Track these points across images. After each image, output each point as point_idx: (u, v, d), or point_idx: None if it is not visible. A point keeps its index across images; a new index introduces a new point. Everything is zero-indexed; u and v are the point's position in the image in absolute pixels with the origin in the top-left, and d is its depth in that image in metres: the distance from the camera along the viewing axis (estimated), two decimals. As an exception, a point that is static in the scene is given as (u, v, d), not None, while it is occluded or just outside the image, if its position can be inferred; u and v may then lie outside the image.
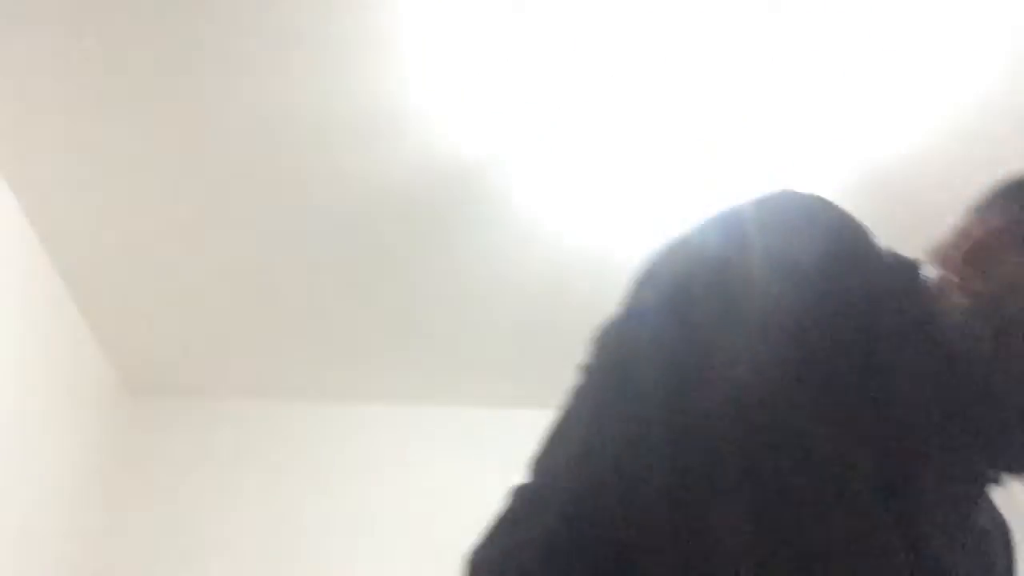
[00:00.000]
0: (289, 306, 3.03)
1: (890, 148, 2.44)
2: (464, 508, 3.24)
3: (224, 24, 2.24)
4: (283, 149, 2.54)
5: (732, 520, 0.82)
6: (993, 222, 0.98)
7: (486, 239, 2.78)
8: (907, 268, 0.98)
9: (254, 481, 3.28)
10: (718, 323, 0.89)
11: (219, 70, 2.35)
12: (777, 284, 0.89)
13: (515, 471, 3.42)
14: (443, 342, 3.14)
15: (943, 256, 0.98)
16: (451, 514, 3.22)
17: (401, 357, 3.21)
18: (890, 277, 0.95)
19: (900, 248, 0.98)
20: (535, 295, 2.95)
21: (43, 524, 2.90)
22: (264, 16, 2.22)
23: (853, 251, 0.92)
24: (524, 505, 0.92)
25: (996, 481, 0.96)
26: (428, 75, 2.33)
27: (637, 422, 0.89)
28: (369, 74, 2.34)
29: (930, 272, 0.97)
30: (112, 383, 3.29)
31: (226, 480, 3.28)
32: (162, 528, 3.20)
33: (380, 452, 3.33)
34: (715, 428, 0.85)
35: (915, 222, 2.36)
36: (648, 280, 0.95)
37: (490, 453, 3.31)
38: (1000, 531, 1.00)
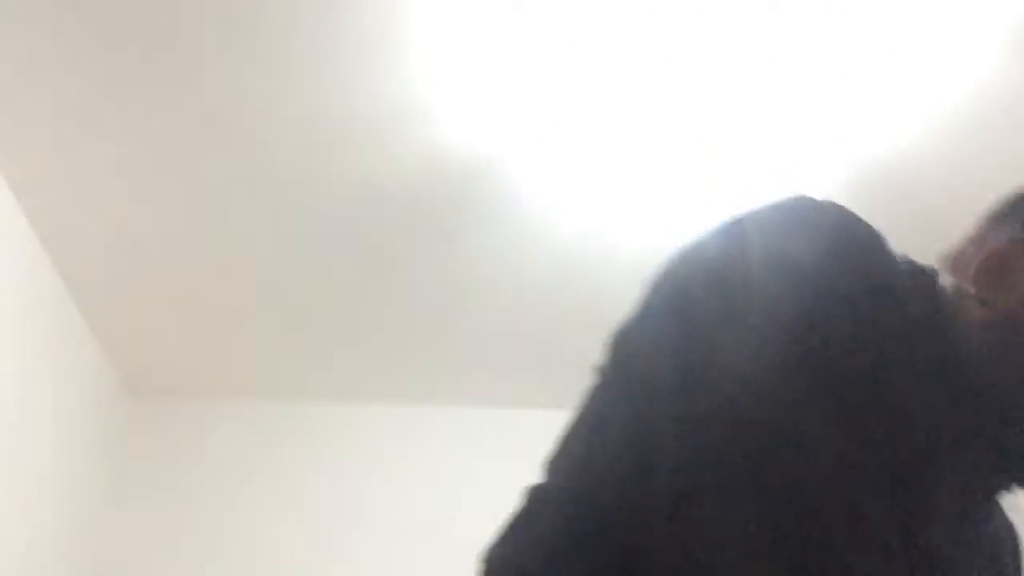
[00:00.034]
0: (289, 306, 3.03)
1: (888, 145, 2.44)
2: (464, 508, 3.26)
3: (225, 24, 2.24)
4: (284, 149, 2.54)
5: (732, 520, 0.81)
6: (1009, 233, 0.96)
7: (485, 239, 2.78)
8: (923, 277, 0.97)
9: (254, 481, 3.28)
10: (719, 322, 0.89)
11: (220, 70, 2.35)
12: (777, 283, 0.89)
13: (515, 471, 3.40)
14: (443, 342, 3.14)
15: (957, 265, 0.97)
16: (451, 514, 3.22)
17: (401, 357, 3.21)
18: (905, 285, 0.94)
19: (899, 245, 0.97)
20: (535, 295, 2.95)
21: (43, 524, 2.90)
22: (265, 16, 2.22)
23: (859, 254, 0.91)
24: (537, 505, 0.93)
25: (1006, 489, 0.96)
26: (426, 76, 2.33)
27: (638, 422, 0.89)
28: (369, 73, 2.34)
29: (946, 282, 0.97)
30: (112, 383, 3.29)
31: (226, 480, 3.28)
32: (162, 528, 3.20)
33: (380, 452, 3.33)
34: (715, 427, 0.85)
35: (913, 218, 2.38)
36: (657, 282, 0.97)
37: (490, 453, 3.31)
38: (1009, 537, 1.00)
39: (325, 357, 3.23)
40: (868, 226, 0.94)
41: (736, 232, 0.94)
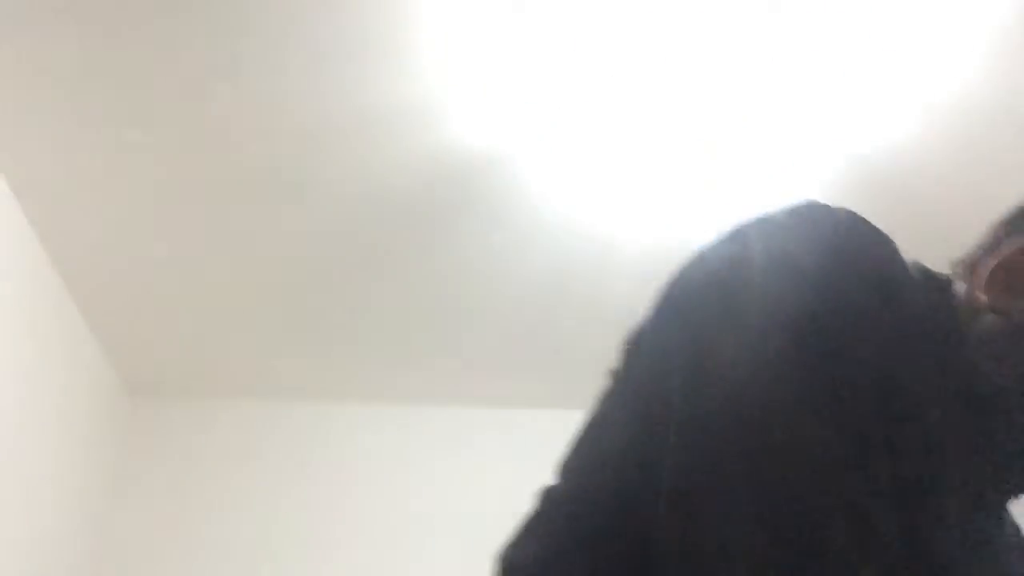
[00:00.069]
0: (289, 306, 3.03)
1: (886, 143, 2.44)
2: (464, 507, 3.26)
3: (227, 24, 2.24)
4: (285, 148, 2.54)
5: (732, 521, 0.81)
6: (1022, 241, 0.96)
7: (485, 240, 2.78)
8: (936, 284, 0.97)
9: (254, 481, 3.28)
10: (721, 323, 0.89)
11: (221, 69, 2.35)
12: (778, 283, 0.89)
13: (515, 471, 3.42)
14: (443, 342, 3.14)
15: (970, 272, 0.97)
16: (451, 513, 3.22)
17: (401, 357, 3.21)
18: (915, 291, 0.94)
19: (900, 244, 0.97)
20: (535, 296, 2.95)
21: (43, 524, 2.89)
22: (267, 15, 2.22)
23: (864, 258, 0.91)
24: (550, 506, 0.94)
25: (1016, 495, 0.96)
26: (426, 76, 2.33)
27: (640, 423, 0.90)
28: (370, 74, 2.34)
29: (959, 289, 0.97)
30: (112, 383, 3.29)
31: (226, 480, 3.28)
32: (162, 528, 3.20)
33: (380, 452, 3.33)
34: (715, 428, 0.85)
35: (912, 217, 2.38)
36: (666, 286, 0.97)
37: (490, 453, 3.31)
38: (1018, 543, 0.99)
39: (325, 357, 3.23)
40: (878, 232, 0.93)
41: (743, 235, 0.95)
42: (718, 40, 2.22)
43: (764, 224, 0.95)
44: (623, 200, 2.62)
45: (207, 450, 3.32)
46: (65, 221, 2.74)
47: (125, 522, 3.19)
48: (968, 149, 2.43)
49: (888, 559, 0.82)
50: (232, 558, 3.15)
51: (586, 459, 0.95)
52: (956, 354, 0.92)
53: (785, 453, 0.83)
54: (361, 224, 2.75)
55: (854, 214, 0.94)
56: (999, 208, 1.03)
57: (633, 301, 2.94)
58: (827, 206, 0.95)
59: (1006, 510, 0.97)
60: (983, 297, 0.94)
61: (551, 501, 0.94)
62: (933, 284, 0.97)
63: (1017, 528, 1.00)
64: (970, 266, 0.98)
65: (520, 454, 3.28)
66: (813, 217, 0.94)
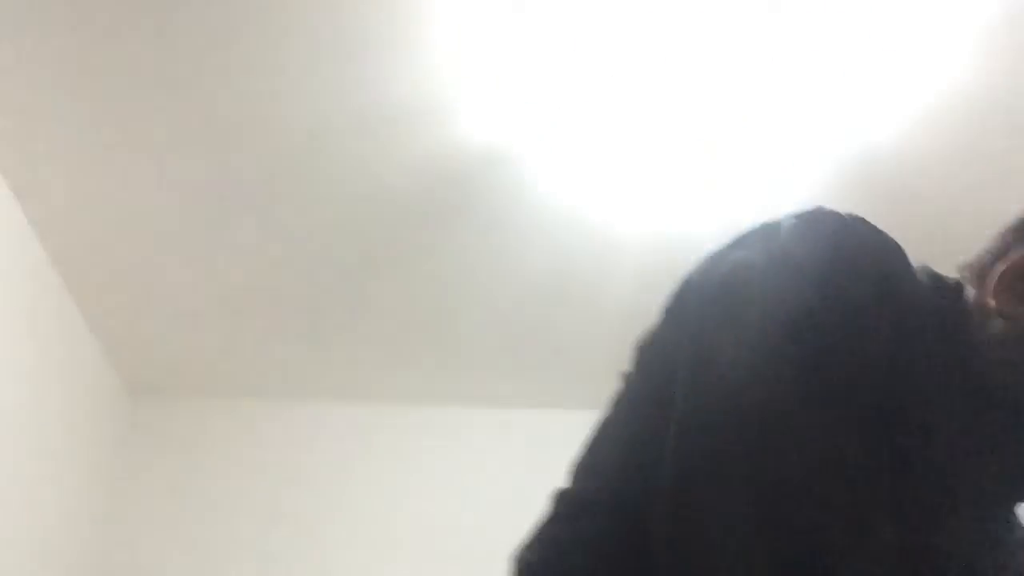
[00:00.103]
0: (289, 306, 3.03)
1: (886, 143, 2.45)
2: (464, 507, 3.26)
3: (227, 23, 2.24)
4: (287, 147, 2.54)
5: (730, 520, 0.82)
6: None
7: (486, 240, 2.78)
8: (946, 289, 0.97)
9: (254, 481, 3.28)
10: (720, 324, 0.90)
11: (222, 69, 2.35)
12: (777, 282, 0.89)
13: (515, 471, 3.41)
14: (443, 342, 3.14)
15: (978, 277, 0.97)
16: (451, 513, 3.22)
17: (401, 357, 3.21)
18: (923, 296, 0.94)
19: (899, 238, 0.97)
20: (535, 296, 2.95)
21: (44, 525, 2.89)
22: (270, 14, 2.22)
23: (868, 261, 0.91)
24: (563, 509, 0.96)
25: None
26: (428, 76, 2.33)
27: (642, 423, 0.91)
28: (374, 73, 2.34)
29: (969, 294, 0.97)
30: (113, 384, 3.29)
31: (226, 480, 3.28)
32: (163, 528, 3.20)
33: (380, 452, 3.33)
34: (715, 427, 0.85)
35: (912, 217, 2.38)
36: (674, 291, 0.99)
37: (490, 453, 3.31)
38: None
39: (325, 357, 3.23)
40: (882, 235, 0.94)
41: (748, 239, 0.95)
42: (718, 40, 2.23)
43: (770, 228, 0.95)
44: (625, 199, 2.62)
45: (207, 450, 3.32)
46: (65, 221, 2.74)
47: (125, 522, 3.19)
48: (964, 148, 2.43)
49: (887, 560, 0.82)
50: (232, 558, 3.15)
51: (596, 462, 0.96)
52: (965, 358, 0.92)
53: (783, 453, 0.83)
54: (362, 224, 2.75)
55: (860, 218, 0.95)
56: (998, 206, 1.03)
57: (634, 302, 2.96)
58: (835, 211, 0.95)
59: (1014, 512, 0.97)
60: (992, 302, 0.94)
61: (564, 504, 0.96)
62: (942, 288, 0.97)
63: None
64: (979, 271, 0.98)
65: (520, 454, 3.28)
66: (818, 220, 0.95)
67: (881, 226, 0.95)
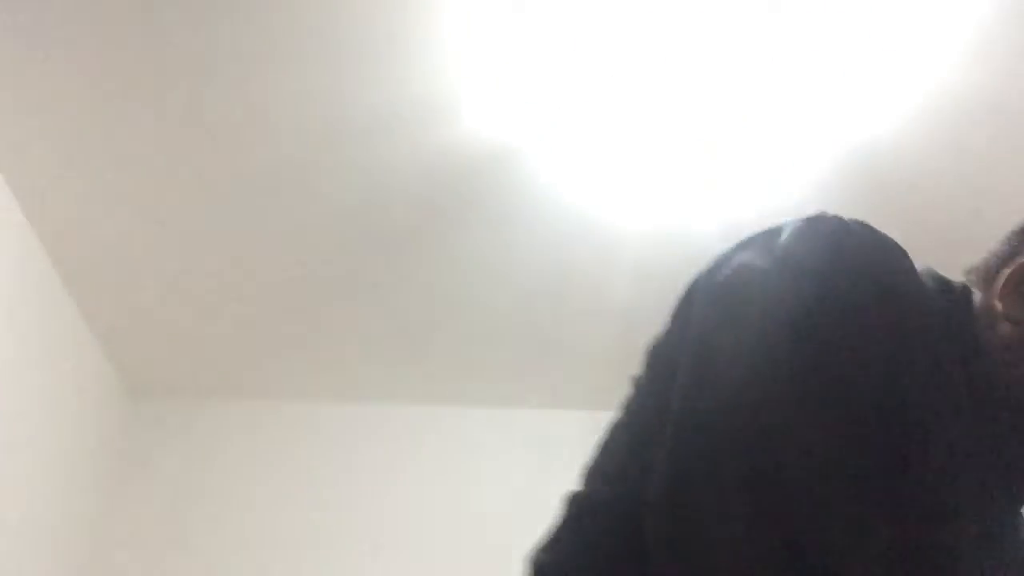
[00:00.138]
0: (290, 306, 3.03)
1: (883, 140, 2.46)
2: (464, 507, 3.25)
3: (234, 23, 2.24)
4: (284, 148, 2.54)
5: (731, 521, 0.81)
6: None
7: (486, 240, 2.78)
8: (952, 292, 0.97)
9: (254, 482, 3.28)
10: (721, 325, 0.90)
11: (223, 68, 2.35)
12: (777, 284, 0.89)
13: (516, 471, 3.40)
14: (444, 342, 3.14)
15: (984, 281, 0.97)
16: (452, 513, 3.22)
17: (402, 357, 3.21)
18: (927, 298, 0.94)
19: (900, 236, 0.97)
20: (536, 295, 2.95)
21: (44, 526, 2.90)
22: (274, 14, 2.22)
23: (869, 264, 0.91)
24: (574, 510, 0.97)
25: None
26: (433, 75, 2.33)
27: (643, 424, 0.92)
28: (378, 72, 2.34)
29: (975, 298, 0.97)
30: (113, 385, 3.29)
31: (226, 481, 3.28)
32: (163, 529, 3.20)
33: (381, 452, 3.33)
34: (713, 427, 0.85)
35: (913, 216, 2.39)
36: (680, 296, 1.00)
37: (490, 453, 3.31)
38: None
39: (326, 357, 3.23)
40: (884, 238, 0.94)
41: (752, 243, 0.96)
42: (718, 40, 2.24)
43: (773, 231, 0.95)
44: (628, 196, 2.62)
45: (207, 450, 3.32)
46: (65, 221, 2.74)
47: (125, 522, 3.19)
48: (963, 147, 2.44)
49: (887, 560, 0.82)
50: (232, 558, 3.15)
51: (604, 464, 0.97)
52: (971, 360, 0.92)
53: (782, 453, 0.83)
54: (362, 226, 2.75)
55: (862, 222, 0.95)
56: (995, 204, 1.04)
57: (635, 302, 2.96)
58: (838, 216, 0.95)
59: (1020, 513, 0.97)
60: (999, 305, 0.95)
61: (575, 506, 0.97)
62: (948, 292, 0.97)
63: None
64: (985, 274, 0.98)
65: (520, 454, 3.28)
66: (819, 223, 0.95)
67: (879, 224, 0.95)
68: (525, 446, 3.28)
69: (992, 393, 0.92)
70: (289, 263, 2.88)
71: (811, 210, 0.97)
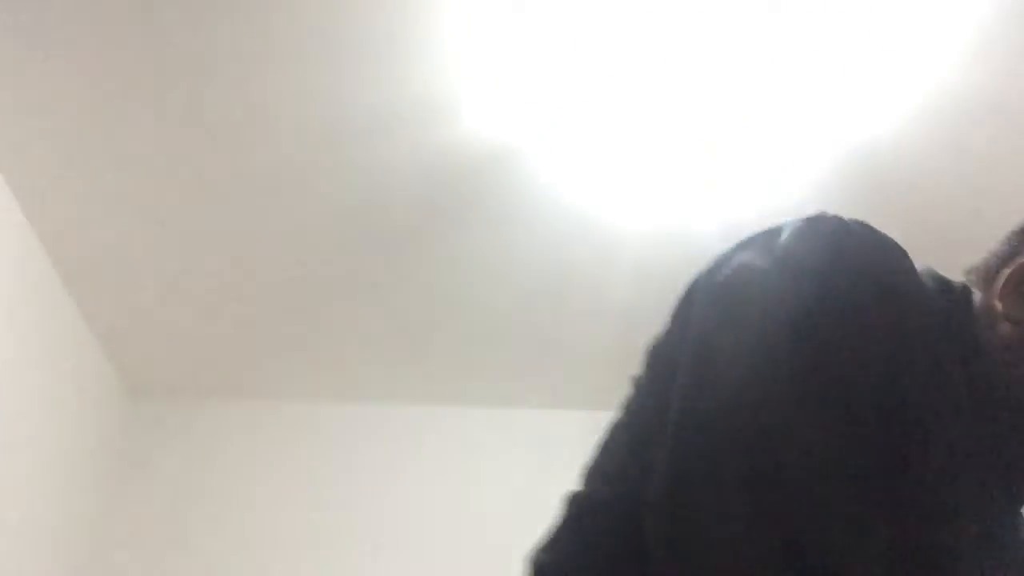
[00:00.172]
0: (290, 307, 3.03)
1: (882, 139, 2.46)
2: (465, 507, 3.25)
3: (234, 23, 2.24)
4: (284, 148, 2.54)
5: (730, 521, 0.81)
6: None
7: (486, 240, 2.78)
8: (952, 293, 0.97)
9: (254, 482, 3.28)
10: (721, 325, 0.90)
11: (223, 68, 2.35)
12: (777, 284, 0.89)
13: (516, 471, 3.40)
14: (444, 342, 3.14)
15: (984, 281, 0.97)
16: (452, 513, 3.22)
17: (402, 357, 3.21)
18: (927, 298, 0.94)
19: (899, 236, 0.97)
20: (536, 296, 2.95)
21: (44, 526, 2.90)
22: (277, 13, 2.22)
23: (869, 264, 0.91)
24: (574, 510, 0.97)
25: None
26: (434, 75, 2.33)
27: (644, 425, 0.92)
28: (376, 73, 2.34)
29: (975, 298, 0.97)
30: (113, 385, 3.29)
31: (226, 481, 3.28)
32: (163, 529, 3.20)
33: (381, 452, 3.33)
34: (714, 428, 0.85)
35: (909, 213, 2.39)
36: (680, 294, 1.00)
37: (490, 453, 3.31)
38: None
39: (326, 357, 3.23)
40: (884, 239, 0.94)
41: (752, 243, 0.96)
42: (719, 40, 2.24)
43: (773, 231, 0.95)
44: (628, 196, 2.62)
45: (207, 450, 3.32)
46: (65, 221, 2.74)
47: (125, 522, 3.19)
48: (964, 146, 2.45)
49: (887, 560, 0.82)
50: (232, 558, 3.15)
51: (604, 464, 0.97)
52: (971, 360, 0.92)
53: (781, 452, 0.83)
54: (362, 226, 2.75)
55: (864, 224, 0.95)
56: (994, 202, 1.04)
57: (634, 302, 2.96)
58: (838, 216, 0.95)
59: (1020, 515, 0.97)
60: (999, 305, 0.95)
61: (575, 506, 0.97)
62: (948, 292, 0.97)
63: None
64: (985, 274, 0.98)
65: (520, 454, 3.28)
66: (819, 223, 0.95)
67: (879, 224, 0.95)
68: (525, 446, 3.28)
69: (992, 393, 0.92)
70: (289, 263, 2.88)
71: (811, 210, 0.97)
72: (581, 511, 0.96)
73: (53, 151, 2.54)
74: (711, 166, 2.50)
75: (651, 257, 2.73)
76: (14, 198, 2.65)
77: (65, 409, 3.01)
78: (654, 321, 1.02)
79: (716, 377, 0.87)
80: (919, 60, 2.29)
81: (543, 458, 3.17)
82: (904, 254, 0.93)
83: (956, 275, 1.01)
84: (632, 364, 1.02)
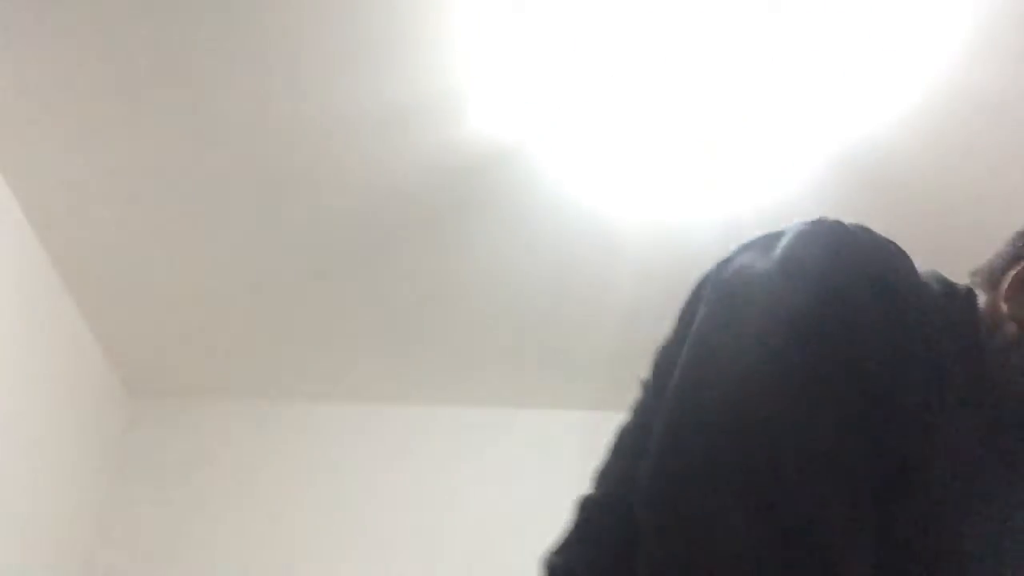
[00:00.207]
0: (289, 306, 3.03)
1: (882, 138, 2.46)
2: (465, 507, 3.25)
3: (238, 21, 2.24)
4: (284, 147, 2.54)
5: (728, 521, 0.81)
6: None
7: (487, 240, 2.78)
8: (957, 295, 0.97)
9: (254, 481, 3.28)
10: (720, 324, 0.90)
11: (231, 67, 2.34)
12: (778, 284, 0.89)
13: (516, 471, 3.41)
14: (443, 342, 3.14)
15: (989, 283, 0.98)
16: (452, 513, 3.22)
17: (401, 357, 3.21)
18: (931, 300, 0.94)
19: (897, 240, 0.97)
20: (536, 296, 2.95)
21: (43, 525, 2.90)
22: (282, 13, 2.22)
23: (860, 258, 0.91)
24: (583, 513, 0.99)
25: None
26: (436, 74, 2.34)
27: (645, 428, 0.92)
28: (380, 72, 2.34)
29: (980, 300, 0.97)
30: (112, 384, 3.29)
31: (226, 481, 3.28)
32: (162, 528, 3.20)
33: (380, 452, 3.33)
34: (712, 427, 0.85)
35: (914, 216, 2.39)
36: (685, 297, 1.01)
37: (490, 453, 3.31)
38: None
39: (325, 357, 3.23)
40: (886, 241, 0.94)
41: (754, 246, 0.96)
42: (719, 40, 2.24)
43: (774, 235, 0.96)
44: (630, 194, 2.62)
45: (207, 450, 3.32)
46: (65, 221, 2.74)
47: (125, 522, 3.19)
48: (962, 145, 2.45)
49: (887, 561, 0.82)
50: (232, 558, 3.15)
51: (615, 467, 0.99)
52: (976, 362, 0.92)
53: (780, 452, 0.83)
54: (362, 226, 2.75)
55: (865, 227, 0.95)
56: (994, 201, 1.04)
57: (636, 302, 2.96)
58: (839, 221, 0.96)
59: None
60: (1004, 307, 0.95)
61: (586, 509, 0.99)
62: (952, 293, 0.97)
63: None
64: (990, 276, 0.98)
65: (520, 454, 3.28)
66: (820, 226, 0.95)
67: (878, 223, 0.95)
68: (525, 446, 3.28)
69: (995, 393, 0.92)
70: (289, 263, 2.88)
71: (810, 208, 0.97)
72: (590, 514, 0.98)
73: (53, 151, 2.54)
74: (711, 165, 2.50)
75: (652, 256, 2.73)
76: (14, 197, 2.65)
77: (65, 408, 3.01)
78: (655, 322, 1.02)
79: (715, 376, 0.87)
80: (917, 59, 2.29)
81: (543, 458, 3.17)
82: (905, 256, 0.94)
83: (955, 274, 1.01)
84: (632, 365, 1.02)
